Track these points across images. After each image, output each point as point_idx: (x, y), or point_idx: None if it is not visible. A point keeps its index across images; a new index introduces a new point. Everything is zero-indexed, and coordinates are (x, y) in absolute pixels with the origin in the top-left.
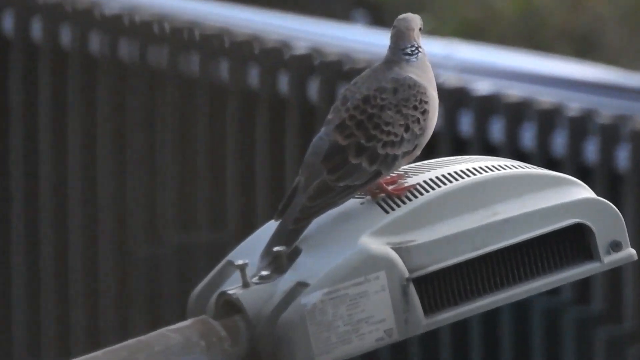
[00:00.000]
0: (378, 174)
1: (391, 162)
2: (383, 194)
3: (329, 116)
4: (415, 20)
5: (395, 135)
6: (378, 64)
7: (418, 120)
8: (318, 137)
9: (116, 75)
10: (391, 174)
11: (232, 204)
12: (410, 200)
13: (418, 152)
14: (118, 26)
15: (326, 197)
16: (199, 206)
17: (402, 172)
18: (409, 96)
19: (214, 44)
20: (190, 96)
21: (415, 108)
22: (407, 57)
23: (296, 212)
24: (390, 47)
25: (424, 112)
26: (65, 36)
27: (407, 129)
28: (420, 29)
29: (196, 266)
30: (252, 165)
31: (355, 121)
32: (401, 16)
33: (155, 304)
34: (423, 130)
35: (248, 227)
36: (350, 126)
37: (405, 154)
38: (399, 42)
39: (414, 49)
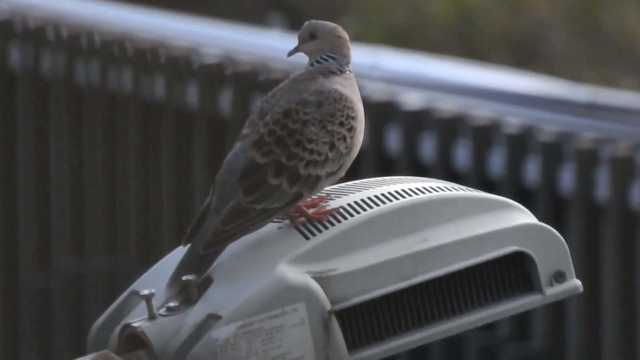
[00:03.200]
0: (299, 196)
1: (313, 183)
2: (302, 218)
3: (244, 131)
4: (325, 27)
5: (319, 154)
6: (299, 73)
7: (344, 138)
8: (232, 153)
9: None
10: (312, 196)
11: (132, 227)
12: (332, 225)
13: (342, 173)
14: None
15: (241, 221)
16: (94, 229)
17: (324, 194)
18: (334, 111)
19: (115, 50)
20: (82, 107)
21: (341, 124)
22: (331, 65)
23: (207, 236)
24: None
25: (351, 128)
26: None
27: (332, 147)
28: (339, 36)
29: (92, 295)
30: (155, 184)
31: (275, 137)
32: (312, 22)
33: (47, 337)
34: (349, 148)
35: (151, 253)
36: (269, 142)
37: (329, 174)
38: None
39: (335, 57)
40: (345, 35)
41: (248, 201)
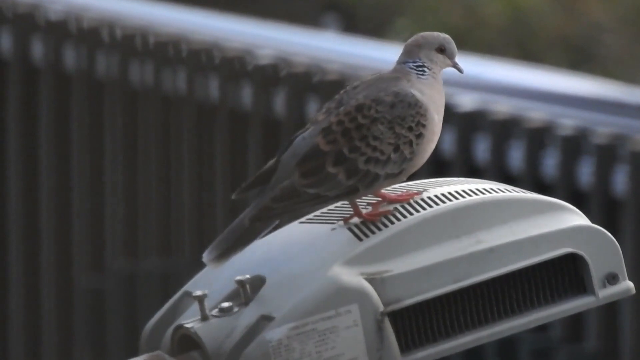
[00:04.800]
0: (354, 190)
1: (371, 180)
2: (356, 218)
3: (319, 116)
4: (432, 38)
5: (382, 152)
6: (387, 71)
7: (410, 143)
8: (301, 136)
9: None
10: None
11: (186, 228)
12: (386, 226)
13: (404, 178)
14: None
15: (291, 201)
16: (148, 231)
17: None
18: (406, 115)
19: (169, 51)
20: (137, 109)
21: (410, 129)
22: (414, 71)
23: (256, 210)
24: (398, 59)
25: (419, 135)
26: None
27: (396, 149)
28: (442, 49)
29: (146, 296)
30: (209, 185)
31: (342, 127)
32: (423, 33)
33: (100, 338)
34: (414, 154)
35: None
36: (335, 131)
37: (389, 175)
38: (406, 55)
39: (418, 66)
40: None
41: (303, 184)
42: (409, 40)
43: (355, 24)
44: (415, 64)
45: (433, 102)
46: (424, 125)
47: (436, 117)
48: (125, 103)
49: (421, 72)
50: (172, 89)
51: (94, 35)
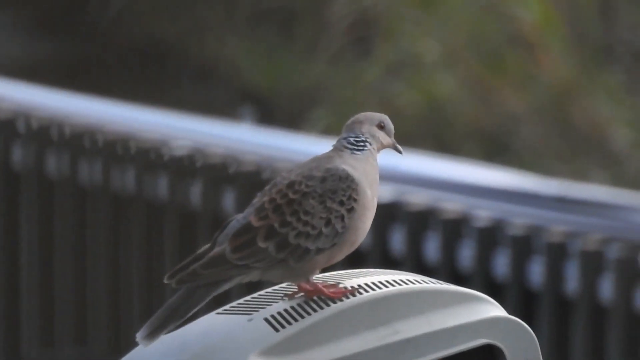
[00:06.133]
0: (284, 263)
1: (301, 254)
2: (315, 295)
3: (255, 200)
4: (371, 115)
5: (313, 227)
6: (324, 152)
7: (342, 217)
8: (236, 219)
9: None
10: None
11: (102, 317)
12: (302, 317)
13: (339, 254)
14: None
15: (219, 269)
16: (64, 319)
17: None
18: (337, 188)
19: (82, 143)
20: (52, 198)
21: (341, 203)
22: (350, 147)
23: (184, 274)
24: (338, 138)
25: (351, 209)
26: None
27: (328, 223)
28: (381, 126)
29: None
30: (125, 275)
31: (274, 205)
32: (362, 112)
33: None
34: (346, 229)
35: (121, 343)
36: (267, 209)
37: (320, 250)
38: (347, 130)
39: (359, 140)
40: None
41: (234, 258)
42: (350, 119)
43: (272, 115)
44: (356, 139)
45: (366, 177)
46: (355, 200)
47: (369, 192)
48: (42, 194)
49: (360, 147)
50: (88, 179)
51: (44, 134)
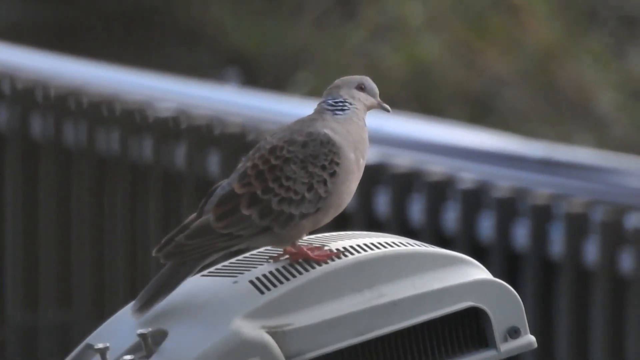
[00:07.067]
0: (268, 230)
1: (285, 220)
2: (300, 258)
3: (239, 165)
4: (350, 78)
5: (296, 192)
6: (307, 115)
7: (324, 182)
8: (221, 185)
9: None
10: (310, 242)
11: (86, 281)
12: (287, 279)
13: (324, 219)
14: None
15: (205, 238)
16: (48, 283)
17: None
18: (318, 153)
19: (67, 104)
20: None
21: (323, 167)
22: (331, 108)
23: (170, 247)
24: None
25: (333, 173)
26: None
27: (310, 188)
28: (361, 87)
29: (47, 349)
30: (109, 238)
31: (256, 171)
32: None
33: None
34: (329, 193)
35: (105, 307)
36: (250, 175)
37: (304, 215)
38: (326, 95)
39: (338, 102)
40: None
41: (218, 226)
42: (330, 85)
43: (256, 78)
44: (334, 100)
45: (348, 140)
46: (337, 164)
47: (352, 156)
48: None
49: (340, 109)
50: (74, 141)
51: (28, 96)
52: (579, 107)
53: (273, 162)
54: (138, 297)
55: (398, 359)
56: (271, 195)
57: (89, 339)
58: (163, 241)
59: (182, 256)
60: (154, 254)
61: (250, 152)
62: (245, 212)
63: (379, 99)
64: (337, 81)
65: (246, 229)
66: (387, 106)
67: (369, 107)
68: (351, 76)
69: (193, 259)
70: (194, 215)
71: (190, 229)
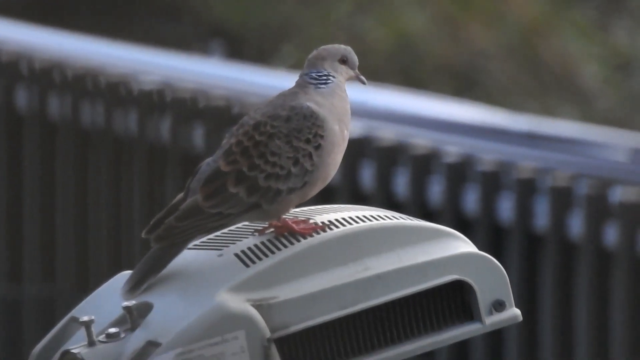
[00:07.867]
0: (257, 206)
1: (273, 196)
2: (286, 231)
3: (224, 141)
4: (333, 50)
5: (282, 167)
6: (288, 88)
7: (310, 155)
8: (206, 162)
9: None
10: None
11: (71, 254)
12: (272, 252)
13: (311, 192)
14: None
15: (194, 219)
16: (32, 256)
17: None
18: (302, 127)
19: (51, 77)
20: (21, 133)
21: (307, 141)
22: (314, 82)
23: (160, 230)
24: (301, 72)
25: (318, 147)
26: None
27: (296, 162)
28: (343, 60)
29: (31, 322)
30: (93, 211)
31: (241, 147)
32: (324, 46)
33: None
34: (315, 167)
35: (89, 280)
36: (235, 152)
37: (292, 190)
38: (309, 66)
39: (321, 75)
40: (327, 53)
41: (206, 206)
42: (312, 54)
43: (241, 50)
44: (318, 74)
45: (332, 112)
46: (321, 136)
47: (336, 128)
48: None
49: (323, 82)
50: (59, 114)
51: (13, 68)
52: (564, 81)
53: (257, 138)
54: (128, 278)
55: (383, 332)
56: (257, 171)
57: (73, 312)
58: (152, 223)
59: (173, 239)
60: (143, 235)
61: (234, 128)
62: (233, 190)
63: (357, 70)
64: (321, 51)
65: (234, 207)
66: (364, 78)
67: (348, 79)
68: (334, 46)
69: (183, 240)
70: (181, 195)
71: (179, 211)
